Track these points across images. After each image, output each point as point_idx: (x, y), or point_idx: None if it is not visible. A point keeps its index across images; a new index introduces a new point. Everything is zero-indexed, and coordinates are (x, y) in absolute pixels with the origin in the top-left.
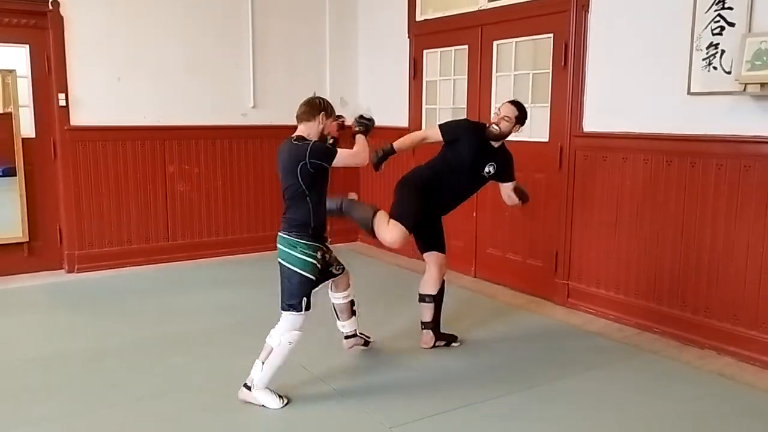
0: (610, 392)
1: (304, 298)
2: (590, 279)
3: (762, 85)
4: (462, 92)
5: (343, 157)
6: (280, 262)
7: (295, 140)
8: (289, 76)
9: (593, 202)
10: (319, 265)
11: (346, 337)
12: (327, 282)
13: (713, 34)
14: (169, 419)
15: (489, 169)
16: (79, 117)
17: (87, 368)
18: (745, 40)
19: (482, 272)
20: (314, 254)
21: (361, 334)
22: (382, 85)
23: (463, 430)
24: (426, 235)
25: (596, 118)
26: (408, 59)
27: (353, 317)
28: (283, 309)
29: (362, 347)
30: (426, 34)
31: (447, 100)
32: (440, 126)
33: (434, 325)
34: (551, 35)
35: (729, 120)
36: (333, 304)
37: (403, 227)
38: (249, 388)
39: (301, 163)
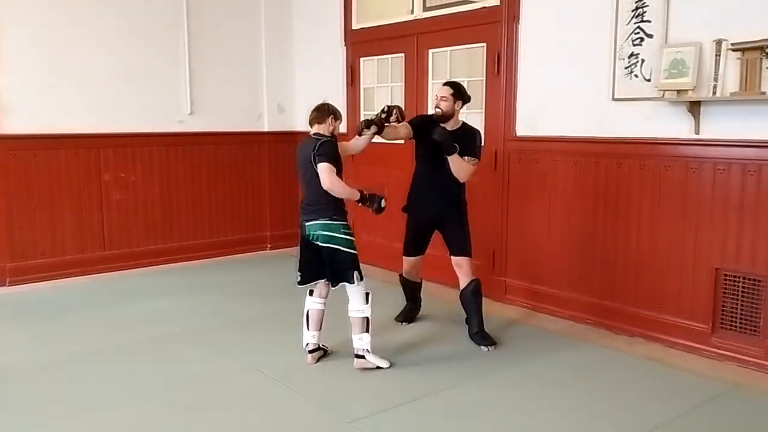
0: (550, 379)
1: (358, 270)
2: (526, 275)
3: (678, 92)
4: (399, 99)
5: (322, 169)
6: (330, 248)
7: (309, 137)
8: (227, 83)
9: (527, 202)
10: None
11: (311, 351)
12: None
13: (633, 45)
14: (126, 427)
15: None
16: (10, 125)
17: (31, 381)
18: (662, 51)
19: (423, 272)
20: (351, 231)
21: (323, 345)
22: (319, 92)
23: (418, 420)
24: (444, 240)
25: (528, 123)
26: (345, 66)
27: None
28: (348, 281)
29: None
30: (362, 42)
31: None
32: (409, 121)
33: (478, 329)
34: (484, 44)
35: (650, 124)
36: (308, 311)
37: (404, 257)
38: (362, 357)
39: (312, 154)
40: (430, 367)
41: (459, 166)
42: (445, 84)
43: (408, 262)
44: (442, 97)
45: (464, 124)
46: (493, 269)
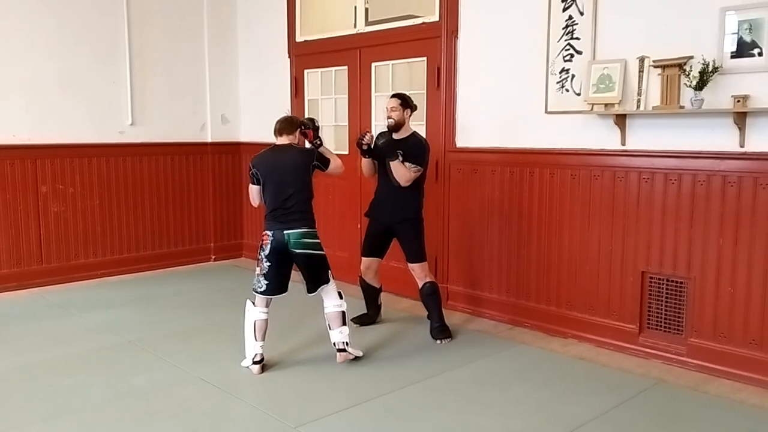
0: (489, 380)
1: (329, 268)
2: (467, 281)
3: (605, 105)
4: (343, 110)
5: (335, 165)
6: (307, 253)
7: (286, 147)
8: (169, 93)
9: (467, 210)
10: None
11: (258, 362)
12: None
13: (564, 61)
14: None
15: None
16: None
17: None
18: (590, 66)
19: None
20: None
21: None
22: (264, 103)
23: (365, 424)
24: (400, 247)
25: (467, 135)
26: (289, 78)
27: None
28: (325, 282)
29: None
30: (306, 55)
31: (329, 118)
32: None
33: (437, 324)
34: (425, 59)
35: (580, 135)
36: (255, 322)
37: (362, 257)
38: (343, 351)
39: (312, 164)
40: (375, 372)
41: (398, 171)
42: (393, 96)
43: (363, 262)
44: (391, 107)
45: (414, 133)
46: (435, 276)
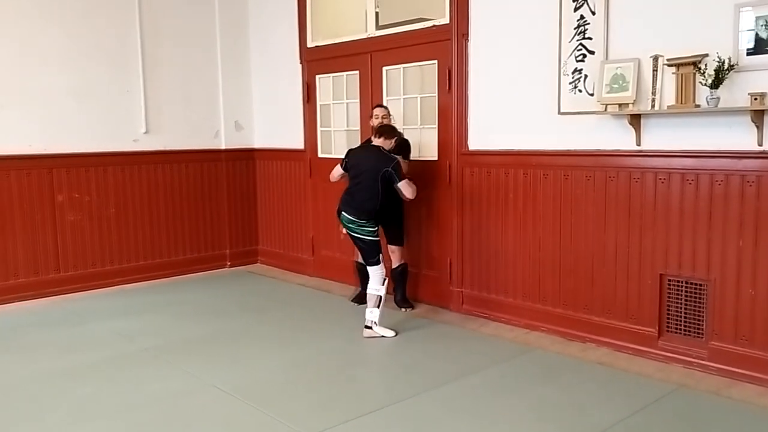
0: (508, 385)
1: (380, 255)
2: (481, 285)
3: (619, 105)
4: (355, 115)
5: (404, 185)
6: (354, 235)
7: (376, 147)
8: (183, 101)
9: (481, 214)
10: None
11: (366, 327)
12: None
13: (577, 61)
14: None
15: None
16: None
17: None
18: (603, 66)
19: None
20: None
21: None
22: (276, 109)
23: (377, 431)
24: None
25: (479, 137)
26: (301, 84)
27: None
28: (370, 265)
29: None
30: (318, 60)
31: (341, 123)
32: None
33: (401, 296)
34: (436, 62)
35: (594, 136)
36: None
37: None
38: (370, 328)
39: (383, 170)
40: (389, 378)
41: (407, 189)
42: (379, 106)
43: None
44: (383, 116)
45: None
46: (450, 280)
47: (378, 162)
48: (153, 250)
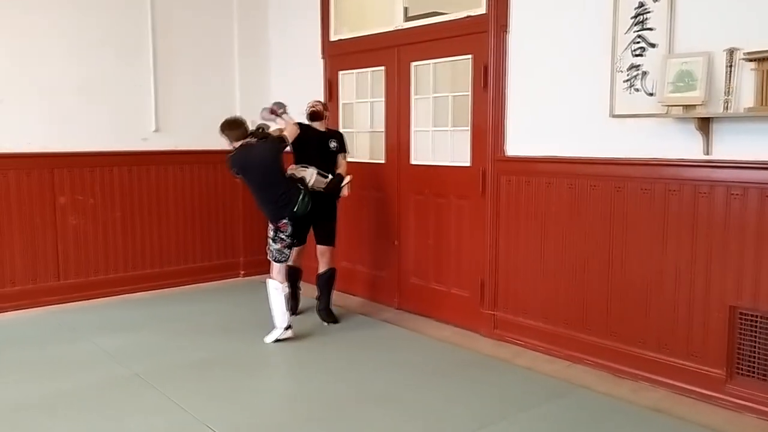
0: None
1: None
2: (517, 308)
3: (685, 107)
4: (380, 115)
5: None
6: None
7: (252, 143)
8: (196, 98)
9: (518, 228)
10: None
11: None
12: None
13: (634, 56)
14: None
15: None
16: None
17: None
18: (667, 61)
19: (406, 304)
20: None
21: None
22: (297, 108)
23: None
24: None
25: (519, 142)
26: (323, 81)
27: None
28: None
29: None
30: (341, 55)
31: (364, 124)
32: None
33: (324, 306)
34: (470, 56)
35: (653, 143)
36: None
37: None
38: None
39: (268, 153)
40: (420, 418)
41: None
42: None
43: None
44: (320, 102)
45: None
46: (481, 302)
47: (262, 152)
48: (161, 257)
